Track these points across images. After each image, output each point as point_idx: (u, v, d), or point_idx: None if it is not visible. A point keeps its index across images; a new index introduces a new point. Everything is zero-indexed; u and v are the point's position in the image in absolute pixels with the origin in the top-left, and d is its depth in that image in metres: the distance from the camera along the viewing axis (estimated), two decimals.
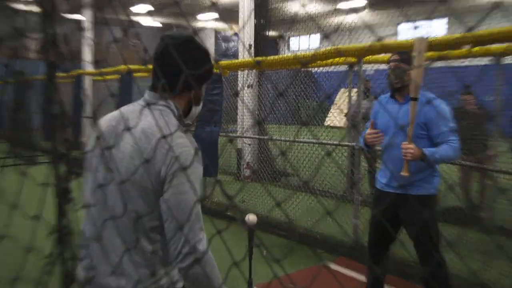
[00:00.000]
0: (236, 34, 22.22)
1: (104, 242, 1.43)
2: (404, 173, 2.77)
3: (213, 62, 1.61)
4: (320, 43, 21.03)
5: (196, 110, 1.59)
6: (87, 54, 14.58)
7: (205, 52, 1.54)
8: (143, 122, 1.43)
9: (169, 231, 1.37)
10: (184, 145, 1.40)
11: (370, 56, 4.90)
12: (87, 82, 12.38)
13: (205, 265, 1.38)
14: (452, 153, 2.77)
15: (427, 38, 2.78)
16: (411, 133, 2.74)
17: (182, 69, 1.37)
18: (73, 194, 1.52)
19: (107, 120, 1.53)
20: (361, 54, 4.45)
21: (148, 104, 1.47)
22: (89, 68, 13.83)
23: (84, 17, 14.79)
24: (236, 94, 7.24)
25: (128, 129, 1.43)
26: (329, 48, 4.67)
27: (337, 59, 4.99)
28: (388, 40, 4.38)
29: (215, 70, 6.32)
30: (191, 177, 1.37)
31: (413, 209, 2.89)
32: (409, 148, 2.72)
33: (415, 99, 2.73)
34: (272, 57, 5.44)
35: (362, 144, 3.15)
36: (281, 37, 23.81)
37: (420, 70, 2.77)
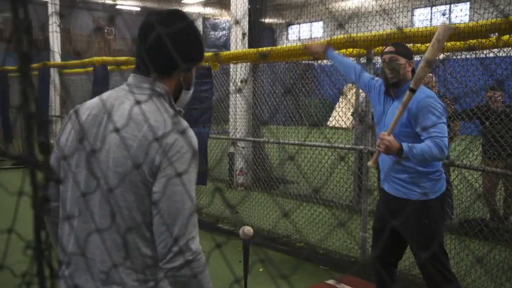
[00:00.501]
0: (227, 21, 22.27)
1: (90, 253, 1.44)
2: (370, 164, 2.93)
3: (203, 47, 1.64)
4: (324, 31, 21.11)
5: (187, 95, 1.60)
6: (55, 43, 14.53)
7: (194, 28, 1.56)
8: (130, 108, 1.43)
9: (158, 226, 1.37)
10: (179, 131, 1.42)
11: (382, 47, 4.93)
12: (54, 75, 12.36)
13: (196, 268, 1.37)
14: (436, 151, 2.75)
15: (452, 26, 2.80)
16: (394, 125, 2.81)
17: (170, 46, 1.40)
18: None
19: (87, 108, 1.52)
20: (371, 44, 4.51)
21: (133, 88, 1.49)
22: (57, 59, 13.80)
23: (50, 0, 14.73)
24: (239, 90, 7.28)
25: (109, 115, 1.44)
26: (341, 36, 4.72)
27: (343, 50, 5.04)
28: (409, 28, 4.43)
29: (203, 63, 6.36)
30: (190, 171, 1.39)
31: (406, 217, 3.00)
32: (385, 139, 2.79)
33: (413, 90, 2.77)
34: (280, 47, 5.44)
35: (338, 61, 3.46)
36: (277, 24, 23.91)
37: (431, 60, 2.81)
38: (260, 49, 5.94)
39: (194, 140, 1.45)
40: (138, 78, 1.50)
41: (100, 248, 1.43)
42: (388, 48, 3.10)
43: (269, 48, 5.70)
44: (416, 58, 3.58)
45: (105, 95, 1.53)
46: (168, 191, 1.36)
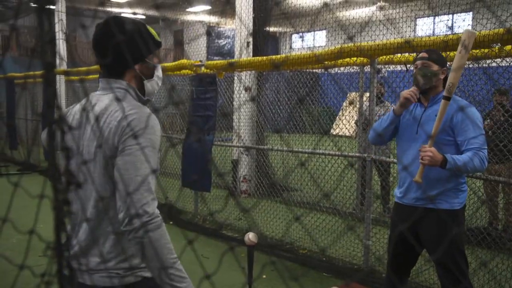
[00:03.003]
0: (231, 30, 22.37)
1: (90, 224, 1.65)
2: (417, 179, 2.81)
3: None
4: (328, 40, 21.20)
5: (152, 84, 1.82)
6: (61, 50, 14.64)
7: (137, 23, 1.77)
8: (99, 105, 1.68)
9: (119, 198, 1.53)
10: (136, 113, 1.62)
11: (385, 56, 4.97)
12: (61, 82, 12.47)
13: (153, 231, 1.49)
14: (478, 163, 2.77)
15: (475, 31, 2.80)
16: (434, 136, 2.79)
17: (114, 44, 1.65)
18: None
19: (70, 114, 1.78)
20: (375, 53, 4.55)
21: (105, 90, 1.74)
22: (62, 66, 13.89)
23: (56, 7, 14.85)
24: (253, 99, 7.32)
25: (89, 111, 1.70)
26: (339, 46, 4.78)
27: (347, 59, 5.10)
28: (408, 38, 4.48)
29: (208, 71, 6.43)
30: (142, 143, 1.57)
31: (434, 226, 2.94)
32: (428, 150, 2.75)
33: (447, 98, 2.76)
34: (292, 55, 5.48)
35: (381, 126, 3.15)
36: (281, 33, 24.01)
37: (461, 67, 2.80)
38: (273, 56, 6.00)
39: (149, 117, 1.62)
40: (105, 81, 1.75)
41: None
42: (421, 54, 3.06)
43: (283, 55, 5.74)
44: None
45: (83, 101, 1.75)
46: (120, 162, 1.55)
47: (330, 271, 4.80)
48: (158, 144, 1.61)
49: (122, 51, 1.70)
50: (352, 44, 4.63)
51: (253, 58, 6.83)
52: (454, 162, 2.75)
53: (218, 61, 6.73)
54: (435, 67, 3.00)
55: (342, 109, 12.51)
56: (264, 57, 6.00)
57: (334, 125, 13.98)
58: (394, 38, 4.61)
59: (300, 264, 5.06)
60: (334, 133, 13.51)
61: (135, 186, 1.51)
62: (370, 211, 4.70)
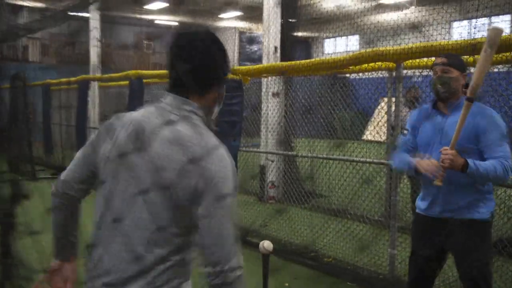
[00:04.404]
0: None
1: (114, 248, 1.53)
2: (437, 182, 2.69)
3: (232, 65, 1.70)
4: (360, 45, 21.00)
5: (217, 110, 1.66)
6: (95, 57, 15.00)
7: (224, 48, 1.62)
8: (173, 129, 1.50)
9: (205, 250, 1.47)
10: (217, 157, 1.48)
11: (414, 60, 4.86)
12: (95, 88, 12.75)
13: (240, 284, 1.47)
14: (501, 171, 2.66)
15: (502, 28, 2.65)
16: (456, 139, 2.67)
17: (207, 66, 1.52)
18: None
19: (126, 123, 1.58)
20: (400, 57, 4.46)
21: (173, 109, 1.54)
22: (96, 72, 14.22)
23: (90, 15, 15.22)
24: (277, 94, 7.30)
25: (153, 134, 1.52)
26: (363, 51, 4.71)
27: (372, 64, 5.01)
28: (432, 42, 4.38)
29: (234, 77, 6.43)
30: (230, 202, 1.47)
31: (461, 236, 2.81)
32: (449, 153, 2.65)
33: (471, 100, 2.64)
34: (299, 62, 5.48)
35: (400, 166, 3.02)
36: (313, 38, 23.90)
37: (486, 67, 2.67)
38: (283, 63, 6.00)
39: (231, 161, 1.52)
40: (177, 99, 1.55)
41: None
42: (440, 59, 2.92)
43: (287, 63, 5.74)
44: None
45: (145, 112, 1.59)
46: (216, 215, 1.45)
47: (354, 280, 4.71)
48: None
49: (215, 70, 1.57)
50: (371, 49, 4.56)
51: (276, 63, 6.83)
52: (475, 167, 2.65)
53: (244, 67, 6.75)
54: (455, 73, 2.86)
55: (375, 115, 12.35)
56: (288, 62, 5.99)
57: (366, 132, 13.79)
58: (420, 42, 4.51)
59: (324, 272, 4.98)
60: (366, 138, 13.32)
61: (223, 241, 1.45)
62: (396, 219, 4.59)
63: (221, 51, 1.60)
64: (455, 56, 3.00)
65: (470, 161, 2.66)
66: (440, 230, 2.89)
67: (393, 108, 5.87)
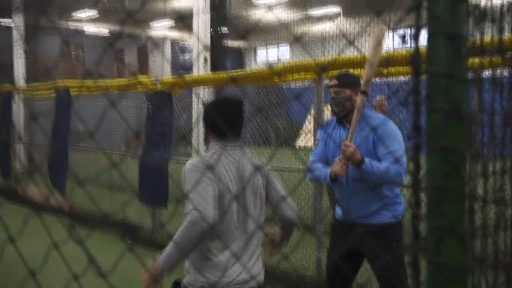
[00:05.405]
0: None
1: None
2: (338, 171, 2.86)
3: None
4: (292, 54, 21.50)
5: None
6: (19, 67, 14.43)
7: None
8: (251, 158, 2.52)
9: (286, 202, 2.54)
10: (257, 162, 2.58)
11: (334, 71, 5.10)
12: (18, 99, 12.26)
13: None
14: (393, 173, 2.83)
15: (386, 28, 2.84)
16: (353, 131, 2.86)
17: (240, 121, 2.46)
18: None
19: (227, 165, 2.40)
20: (320, 70, 4.69)
21: (240, 151, 2.47)
22: (20, 83, 13.69)
23: (14, 23, 14.62)
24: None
25: (255, 169, 2.52)
26: (287, 64, 4.91)
27: (297, 74, 5.22)
28: (350, 55, 4.63)
29: (164, 88, 6.47)
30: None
31: (372, 240, 2.99)
32: (350, 145, 2.81)
33: (365, 93, 2.82)
34: (240, 71, 5.59)
35: (315, 176, 3.15)
36: (246, 48, 24.21)
37: (375, 61, 2.86)
38: (222, 73, 6.10)
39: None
40: (236, 143, 2.47)
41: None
42: (331, 81, 3.10)
43: (233, 71, 5.85)
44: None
45: (236, 156, 2.43)
46: (278, 185, 2.56)
47: (283, 284, 4.85)
48: None
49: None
50: (294, 62, 4.76)
51: (205, 74, 6.91)
52: (370, 166, 2.83)
53: (171, 78, 6.79)
54: (347, 92, 3.02)
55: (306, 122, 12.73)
56: (216, 73, 6.10)
57: (299, 138, 14.17)
58: (345, 54, 4.76)
59: None
60: (300, 145, 13.70)
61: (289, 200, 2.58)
62: (321, 224, 4.80)
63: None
64: (346, 76, 3.15)
65: (366, 159, 2.85)
66: (354, 235, 3.05)
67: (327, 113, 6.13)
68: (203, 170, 2.29)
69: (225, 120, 2.41)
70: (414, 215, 0.70)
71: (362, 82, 2.88)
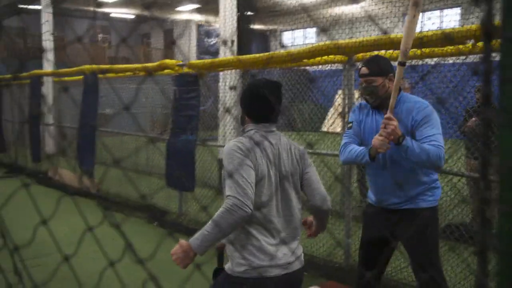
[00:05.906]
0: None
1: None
2: (380, 150, 2.77)
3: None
4: (317, 37, 21.22)
5: None
6: (48, 51, 14.60)
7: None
8: (288, 142, 2.51)
9: (321, 188, 2.52)
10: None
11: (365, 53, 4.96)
12: (48, 84, 12.42)
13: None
14: (434, 156, 2.71)
15: None
16: (393, 104, 2.73)
17: (278, 104, 2.43)
18: None
19: (267, 146, 2.40)
20: (351, 51, 4.56)
21: (276, 131, 2.49)
22: (49, 67, 13.85)
23: (42, 8, 14.78)
24: (227, 110, 7.28)
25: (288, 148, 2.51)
26: (316, 45, 4.79)
27: (329, 56, 5.09)
28: (382, 35, 4.49)
29: (190, 71, 6.43)
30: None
31: (409, 225, 2.90)
32: (392, 119, 2.69)
33: (403, 64, 2.68)
34: (254, 56, 5.51)
35: (349, 158, 3.03)
36: (271, 31, 23.99)
37: (413, 27, 2.68)
38: (248, 56, 5.99)
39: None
40: (274, 125, 2.47)
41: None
42: (362, 70, 2.96)
43: (259, 55, 5.72)
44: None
45: (273, 139, 2.44)
46: (313, 171, 2.53)
47: (309, 269, 4.80)
48: None
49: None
50: (326, 42, 4.64)
51: (231, 57, 6.83)
52: (411, 143, 2.70)
53: (200, 61, 6.74)
54: (379, 80, 2.90)
55: (333, 107, 12.55)
56: (243, 56, 6.01)
57: (324, 123, 14.01)
58: (376, 35, 4.62)
59: None
60: (325, 129, 13.54)
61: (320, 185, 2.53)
62: (350, 209, 4.72)
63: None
64: (376, 62, 2.98)
65: (407, 137, 2.73)
66: (389, 220, 2.98)
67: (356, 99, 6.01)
68: (243, 152, 2.29)
69: (263, 103, 2.37)
70: (483, 199, 0.63)
71: (400, 53, 2.70)
